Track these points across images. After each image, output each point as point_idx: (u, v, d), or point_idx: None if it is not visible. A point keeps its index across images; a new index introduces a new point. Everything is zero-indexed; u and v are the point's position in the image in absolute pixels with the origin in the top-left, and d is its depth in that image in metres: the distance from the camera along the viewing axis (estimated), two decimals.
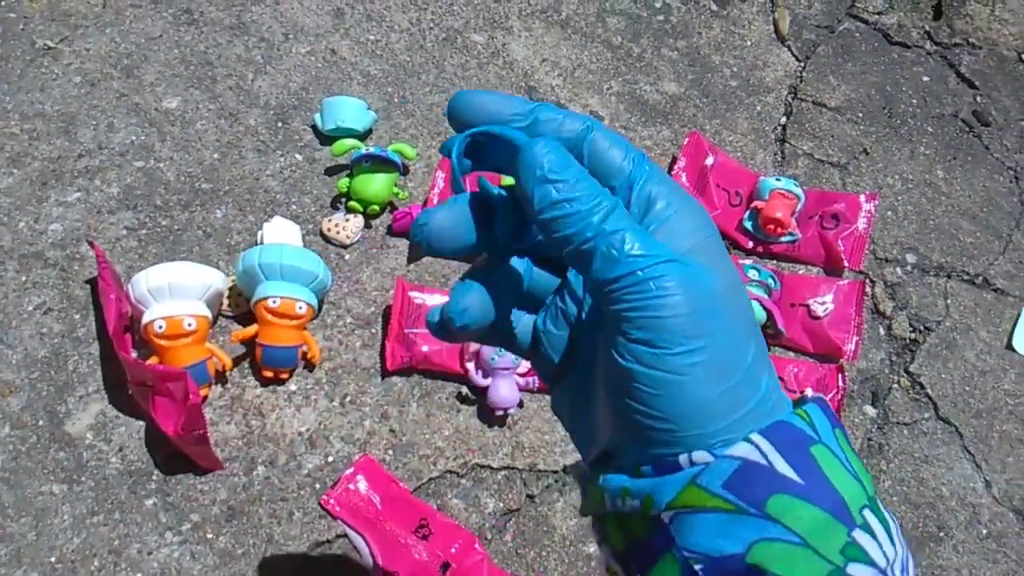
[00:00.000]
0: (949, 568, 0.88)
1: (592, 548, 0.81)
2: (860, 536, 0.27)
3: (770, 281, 0.94)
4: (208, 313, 0.80)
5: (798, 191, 1.01)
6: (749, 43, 1.21)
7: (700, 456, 0.27)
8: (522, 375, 0.85)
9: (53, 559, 0.72)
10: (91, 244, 0.83)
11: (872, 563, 0.27)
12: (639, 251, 0.26)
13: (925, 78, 1.24)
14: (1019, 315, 1.04)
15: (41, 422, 0.78)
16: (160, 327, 0.77)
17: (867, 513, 0.27)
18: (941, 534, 0.90)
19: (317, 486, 0.79)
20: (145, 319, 0.77)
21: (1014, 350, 1.02)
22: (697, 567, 0.27)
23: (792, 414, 0.28)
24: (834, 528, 0.27)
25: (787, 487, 0.27)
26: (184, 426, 0.72)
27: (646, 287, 0.26)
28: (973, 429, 0.97)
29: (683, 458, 0.27)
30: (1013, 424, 0.98)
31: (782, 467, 0.27)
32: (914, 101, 1.21)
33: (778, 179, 1.01)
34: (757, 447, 0.27)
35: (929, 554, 0.89)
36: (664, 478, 0.28)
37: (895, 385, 0.98)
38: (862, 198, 1.03)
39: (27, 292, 0.83)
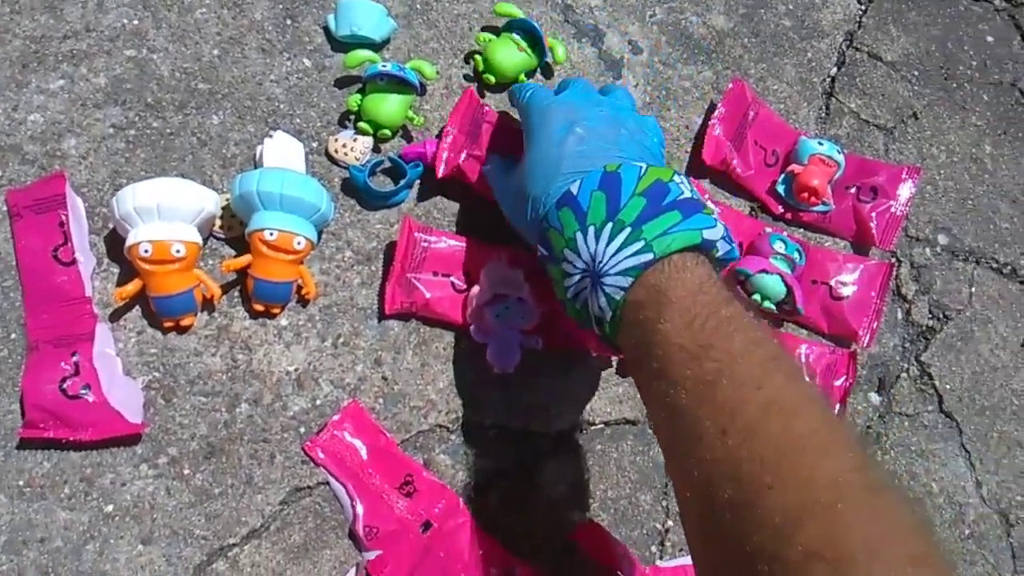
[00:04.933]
0: None
1: (576, 515, 0.80)
2: (563, 265, 0.60)
3: (796, 255, 0.89)
4: (199, 239, 0.74)
5: (839, 158, 0.94)
6: None
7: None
8: (525, 334, 0.81)
9: (21, 482, 0.70)
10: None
11: (570, 274, 0.60)
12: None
13: (989, 38, 1.14)
14: None
15: (13, 335, 0.73)
16: (146, 251, 0.71)
17: (565, 251, 0.60)
18: None
19: (302, 430, 0.76)
20: (130, 240, 0.71)
21: None
22: None
23: (543, 220, 0.62)
24: (556, 266, 0.62)
25: (546, 260, 0.64)
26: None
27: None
28: (974, 426, 0.95)
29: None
30: (1014, 425, 0.96)
31: (542, 251, 0.64)
32: (974, 63, 1.12)
33: (820, 143, 0.94)
34: (538, 248, 0.65)
35: None
36: None
37: (904, 374, 0.95)
38: (904, 172, 0.96)
39: (2, 190, 0.76)
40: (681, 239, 0.55)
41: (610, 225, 0.56)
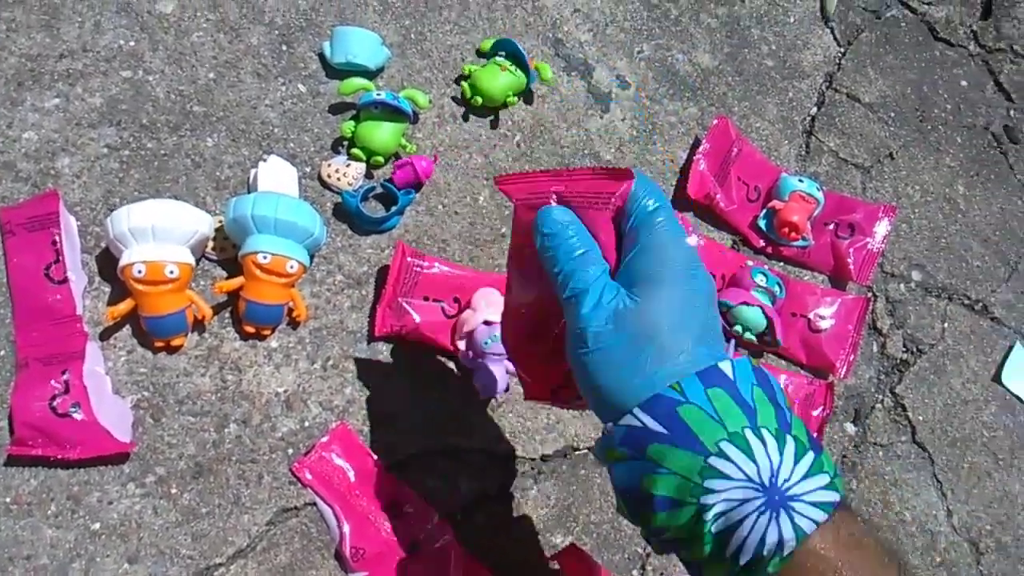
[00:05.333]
0: None
1: (560, 539, 0.81)
2: (714, 460, 0.42)
3: (776, 288, 0.91)
4: (192, 260, 0.75)
5: (819, 195, 0.97)
6: (792, 19, 1.14)
7: (608, 428, 0.47)
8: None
9: (8, 500, 0.69)
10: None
11: (727, 477, 0.42)
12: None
13: (963, 82, 1.19)
14: (1011, 349, 1.04)
15: (3, 352, 0.73)
16: (139, 271, 0.71)
17: (724, 444, 0.43)
18: None
19: (290, 451, 0.77)
20: (123, 261, 0.72)
21: (1000, 383, 1.02)
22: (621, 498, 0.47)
23: (668, 388, 0.44)
24: (693, 459, 0.43)
25: (658, 439, 0.43)
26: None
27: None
28: (946, 457, 0.98)
29: (607, 427, 0.47)
30: (984, 456, 0.99)
31: (654, 425, 0.44)
32: (948, 106, 1.16)
33: (801, 180, 0.97)
34: (636, 416, 0.44)
35: None
36: (601, 441, 0.48)
37: (879, 405, 0.98)
38: (880, 211, 0.99)
39: None
40: (842, 484, 0.46)
41: (793, 442, 0.45)
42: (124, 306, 0.73)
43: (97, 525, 0.70)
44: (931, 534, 0.94)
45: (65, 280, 0.74)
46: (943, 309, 1.04)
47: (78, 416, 0.70)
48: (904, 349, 1.01)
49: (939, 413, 0.99)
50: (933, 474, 0.96)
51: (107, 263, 0.77)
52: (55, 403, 0.70)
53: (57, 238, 0.75)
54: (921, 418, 0.98)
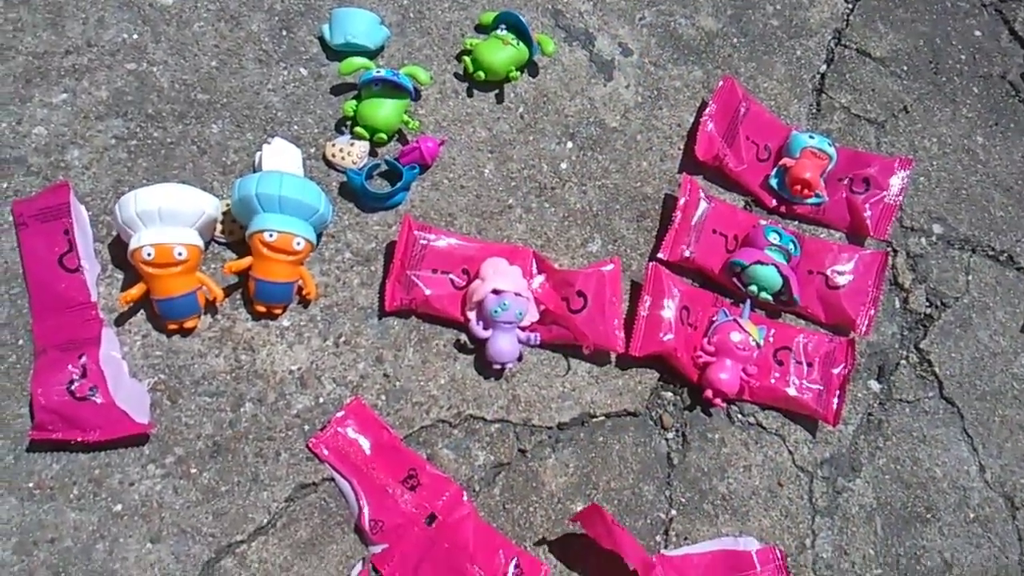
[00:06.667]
0: (932, 550, 0.88)
1: (579, 507, 0.80)
2: None
3: (791, 246, 0.90)
4: (200, 242, 0.75)
5: (831, 151, 0.95)
6: None
7: None
8: (523, 329, 0.82)
9: (31, 484, 0.71)
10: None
11: None
12: None
13: (977, 32, 1.16)
14: None
15: (21, 341, 0.74)
16: (149, 254, 0.72)
17: None
18: (928, 515, 0.90)
19: (306, 427, 0.77)
20: (133, 245, 0.73)
21: None
22: None
23: None
24: None
25: None
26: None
27: None
28: (975, 411, 0.95)
29: None
30: (1016, 409, 0.96)
31: None
32: (963, 57, 1.13)
33: (811, 136, 0.95)
34: None
35: (914, 534, 0.89)
36: None
37: (903, 361, 0.95)
38: (896, 163, 0.97)
39: (8, 201, 0.78)
40: None
41: None
42: (136, 291, 0.74)
43: (119, 507, 0.71)
44: (963, 490, 0.92)
45: (79, 268, 0.76)
46: (966, 261, 1.01)
47: (97, 399, 0.71)
48: (928, 303, 0.98)
49: (967, 367, 0.97)
50: (963, 429, 0.94)
51: (119, 251, 0.78)
52: (73, 387, 0.71)
53: (69, 228, 0.76)
54: (948, 373, 0.96)
